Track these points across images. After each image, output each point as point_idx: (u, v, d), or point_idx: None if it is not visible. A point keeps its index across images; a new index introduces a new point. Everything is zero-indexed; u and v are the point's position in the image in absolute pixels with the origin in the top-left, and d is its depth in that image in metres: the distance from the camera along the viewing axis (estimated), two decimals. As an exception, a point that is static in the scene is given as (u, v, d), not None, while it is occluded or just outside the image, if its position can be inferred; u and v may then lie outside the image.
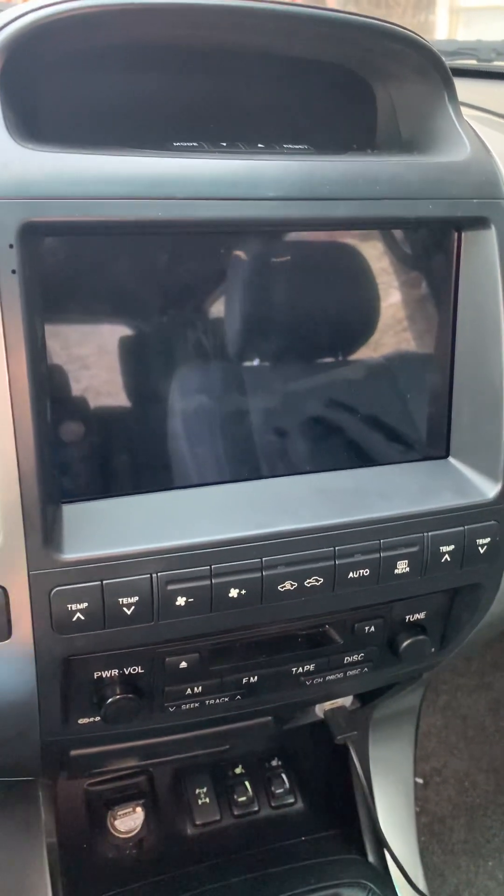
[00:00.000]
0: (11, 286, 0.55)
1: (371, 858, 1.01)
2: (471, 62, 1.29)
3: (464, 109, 0.76)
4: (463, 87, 0.76)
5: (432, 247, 0.73)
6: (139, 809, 1.01)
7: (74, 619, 0.61)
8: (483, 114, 0.92)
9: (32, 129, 0.61)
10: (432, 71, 0.71)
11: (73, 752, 0.76)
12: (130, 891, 0.95)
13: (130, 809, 1.01)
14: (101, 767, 0.95)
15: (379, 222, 0.70)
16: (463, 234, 0.72)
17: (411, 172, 0.67)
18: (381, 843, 0.98)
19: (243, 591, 0.65)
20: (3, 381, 0.57)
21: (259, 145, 0.68)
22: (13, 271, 0.55)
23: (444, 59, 0.71)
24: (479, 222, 0.70)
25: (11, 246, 0.55)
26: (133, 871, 0.98)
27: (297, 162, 0.64)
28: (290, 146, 0.70)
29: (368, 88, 0.77)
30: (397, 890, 0.96)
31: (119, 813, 1.00)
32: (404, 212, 0.67)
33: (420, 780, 1.60)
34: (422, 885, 1.03)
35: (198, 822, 1.03)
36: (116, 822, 1.00)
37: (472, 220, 0.70)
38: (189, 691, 0.72)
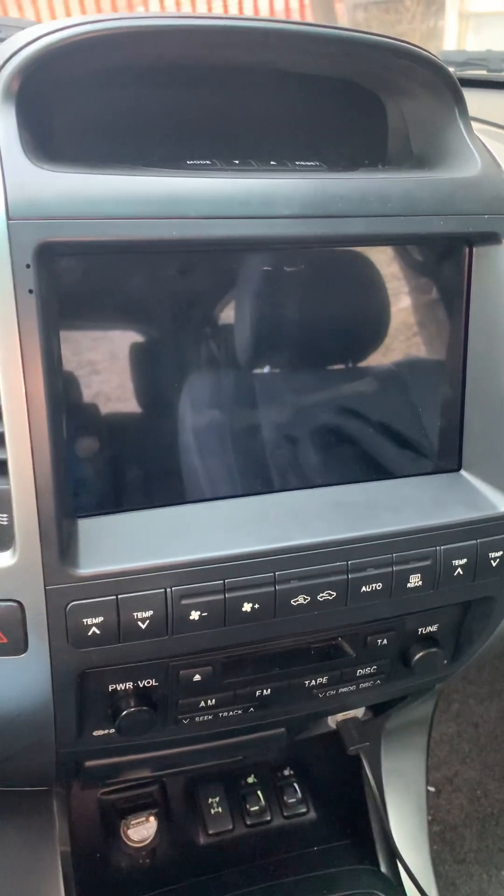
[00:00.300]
0: (28, 306, 0.56)
1: (383, 868, 1.01)
2: (481, 73, 1.30)
3: (474, 124, 0.76)
4: (473, 98, 0.76)
5: (443, 261, 0.74)
6: (152, 819, 1.01)
7: (90, 633, 0.61)
8: (493, 128, 0.92)
9: (48, 149, 0.62)
10: (443, 87, 0.71)
11: (88, 763, 0.77)
12: None
13: (143, 819, 1.01)
14: (115, 778, 0.95)
15: (391, 239, 0.70)
16: (474, 249, 0.72)
17: (423, 189, 0.68)
18: (393, 853, 0.99)
19: (256, 606, 0.65)
20: (21, 399, 0.57)
21: (271, 162, 0.69)
22: (30, 291, 0.56)
23: (454, 74, 0.72)
24: (491, 237, 0.71)
25: (28, 266, 0.56)
26: (146, 880, 0.99)
27: (310, 180, 0.65)
28: (302, 163, 0.70)
29: (379, 104, 0.78)
30: (410, 900, 0.96)
31: (132, 822, 1.01)
32: (416, 228, 0.68)
33: (432, 789, 1.60)
34: (434, 894, 1.03)
35: (210, 832, 1.04)
36: (130, 832, 1.00)
37: (483, 236, 0.71)
38: (203, 704, 0.73)
